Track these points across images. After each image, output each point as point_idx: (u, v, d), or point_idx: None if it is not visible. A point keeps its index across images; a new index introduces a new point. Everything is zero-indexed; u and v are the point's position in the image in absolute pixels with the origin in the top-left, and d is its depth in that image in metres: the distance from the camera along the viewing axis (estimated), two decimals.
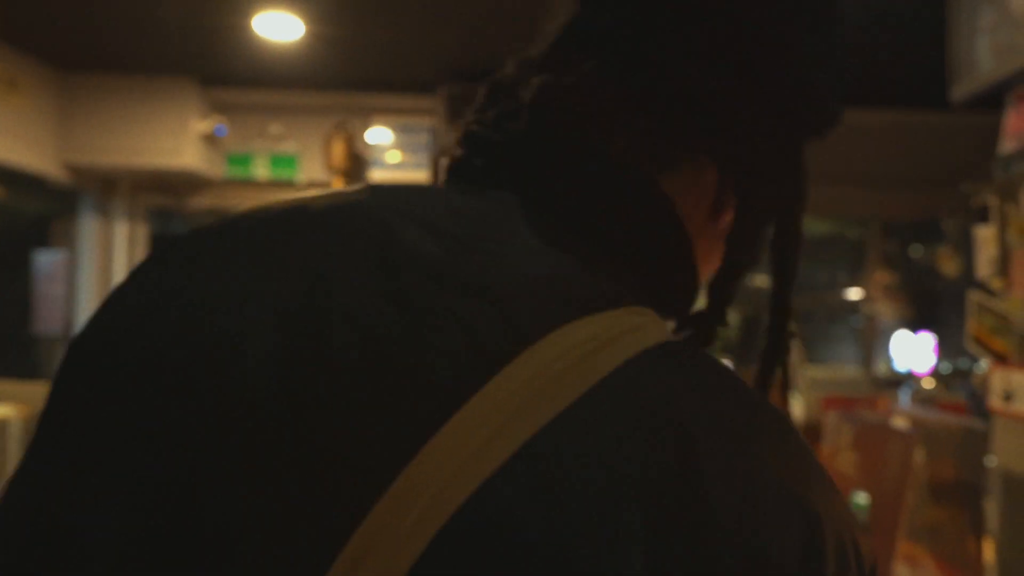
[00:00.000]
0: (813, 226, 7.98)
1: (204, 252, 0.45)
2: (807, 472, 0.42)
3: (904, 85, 3.97)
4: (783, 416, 0.44)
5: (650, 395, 0.39)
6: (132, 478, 0.39)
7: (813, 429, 4.02)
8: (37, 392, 3.20)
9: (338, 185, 4.25)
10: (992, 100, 1.80)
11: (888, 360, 3.56)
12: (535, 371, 0.38)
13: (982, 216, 1.44)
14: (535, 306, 0.41)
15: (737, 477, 0.38)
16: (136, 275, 0.46)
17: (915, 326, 3.41)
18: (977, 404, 2.84)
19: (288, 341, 0.39)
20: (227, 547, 0.37)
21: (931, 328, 3.30)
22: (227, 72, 4.11)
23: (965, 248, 1.58)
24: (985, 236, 1.52)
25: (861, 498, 1.54)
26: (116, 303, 0.45)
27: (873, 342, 4.50)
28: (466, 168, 0.53)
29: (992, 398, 1.57)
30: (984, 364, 3.64)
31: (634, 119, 0.51)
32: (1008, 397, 1.46)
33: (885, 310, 4.24)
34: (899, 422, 1.65)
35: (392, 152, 4.36)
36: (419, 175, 4.35)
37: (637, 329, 0.42)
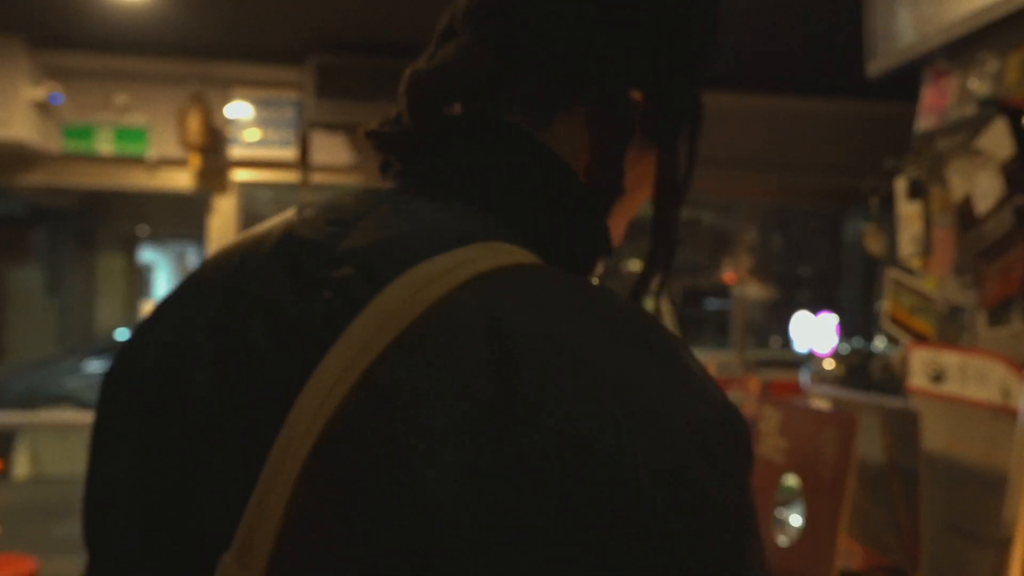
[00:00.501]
0: None
1: (167, 303, 0.60)
2: (645, 365, 0.46)
3: (786, 71, 4.07)
4: (633, 321, 0.49)
5: (472, 311, 0.46)
6: (129, 469, 0.54)
7: None
8: None
9: (195, 162, 3.91)
10: (886, 84, 1.79)
11: (788, 341, 3.62)
12: (381, 309, 0.46)
13: (915, 192, 1.41)
14: (396, 258, 0.49)
15: (551, 369, 0.44)
16: (134, 329, 0.62)
17: (791, 308, 3.48)
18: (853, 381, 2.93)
19: (217, 341, 0.52)
20: (193, 500, 0.50)
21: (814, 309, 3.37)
22: (64, 33, 3.69)
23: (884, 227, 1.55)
24: (909, 214, 1.50)
25: (791, 480, 1.48)
26: (124, 347, 0.61)
27: (744, 323, 4.61)
28: (385, 165, 0.65)
29: (913, 378, 1.55)
30: (883, 344, 3.77)
31: (504, 81, 0.60)
32: (937, 378, 1.43)
33: (753, 291, 4.34)
34: (821, 404, 1.61)
35: (251, 130, 4.06)
36: (284, 153, 4.07)
37: (473, 260, 0.49)
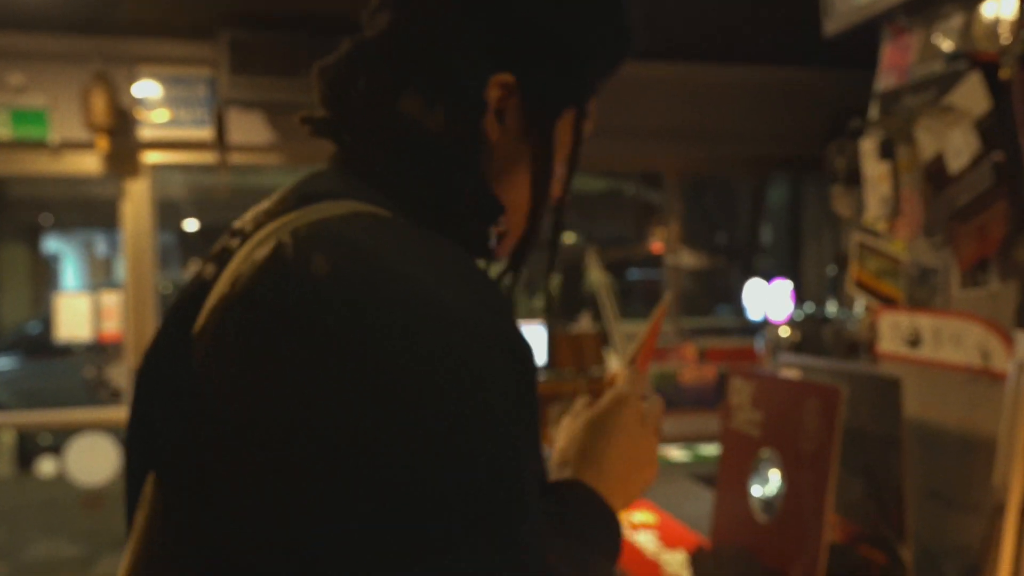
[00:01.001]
0: (591, 184, 8.19)
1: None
2: (439, 281, 0.57)
3: (710, 39, 4.04)
4: (451, 263, 0.62)
5: (279, 255, 0.57)
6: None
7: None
8: None
9: (102, 145, 3.67)
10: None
11: (741, 309, 3.62)
12: (235, 262, 0.60)
13: (885, 152, 1.37)
14: (257, 221, 0.64)
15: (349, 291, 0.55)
16: None
17: (731, 275, 3.47)
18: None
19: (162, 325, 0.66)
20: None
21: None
22: None
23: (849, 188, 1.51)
24: (877, 174, 1.46)
25: (767, 454, 1.44)
26: None
27: (678, 293, 4.62)
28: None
29: (882, 343, 1.52)
30: (835, 309, 3.78)
31: (375, 65, 0.71)
32: (914, 342, 1.41)
33: (688, 260, 4.35)
34: (789, 373, 1.57)
35: (162, 110, 3.83)
36: (198, 133, 3.85)
37: (299, 218, 0.61)
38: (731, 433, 1.52)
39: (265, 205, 0.66)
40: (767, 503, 1.40)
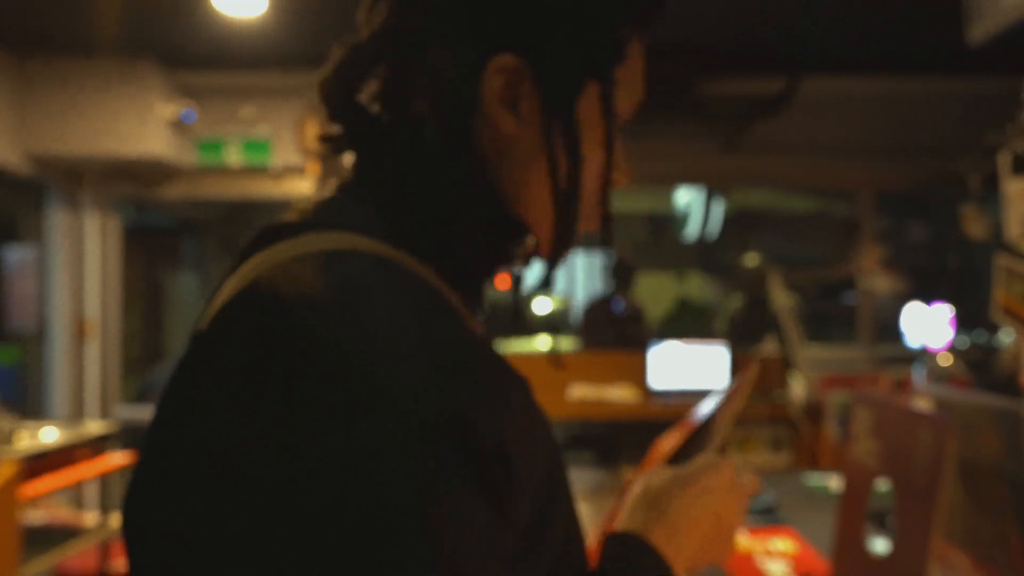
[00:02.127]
0: (797, 203, 7.85)
1: None
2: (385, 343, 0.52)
3: (892, 51, 3.83)
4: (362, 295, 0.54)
5: (255, 291, 0.56)
6: None
7: (814, 409, 3.91)
8: None
9: (312, 169, 4.07)
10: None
11: (896, 333, 3.41)
12: (221, 292, 0.59)
13: (1020, 166, 1.29)
14: (254, 244, 0.62)
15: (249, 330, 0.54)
16: None
17: (921, 299, 3.25)
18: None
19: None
20: None
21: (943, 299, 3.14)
22: (192, 53, 3.92)
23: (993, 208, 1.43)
24: (1017, 191, 1.37)
25: (883, 485, 1.39)
26: None
27: (871, 318, 4.37)
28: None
29: None
30: (1007, 337, 3.49)
31: (363, 70, 0.66)
32: None
33: (882, 285, 4.11)
34: (922, 403, 1.51)
35: None
36: None
37: (274, 255, 0.59)
38: (851, 464, 1.48)
39: (268, 225, 0.63)
40: (882, 535, 1.36)
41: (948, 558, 1.39)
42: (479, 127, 0.63)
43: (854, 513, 1.44)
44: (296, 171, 4.18)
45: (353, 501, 0.46)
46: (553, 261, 0.67)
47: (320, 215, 0.62)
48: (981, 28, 1.52)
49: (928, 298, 3.23)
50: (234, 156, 4.17)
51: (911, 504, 1.27)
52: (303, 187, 4.24)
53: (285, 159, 4.17)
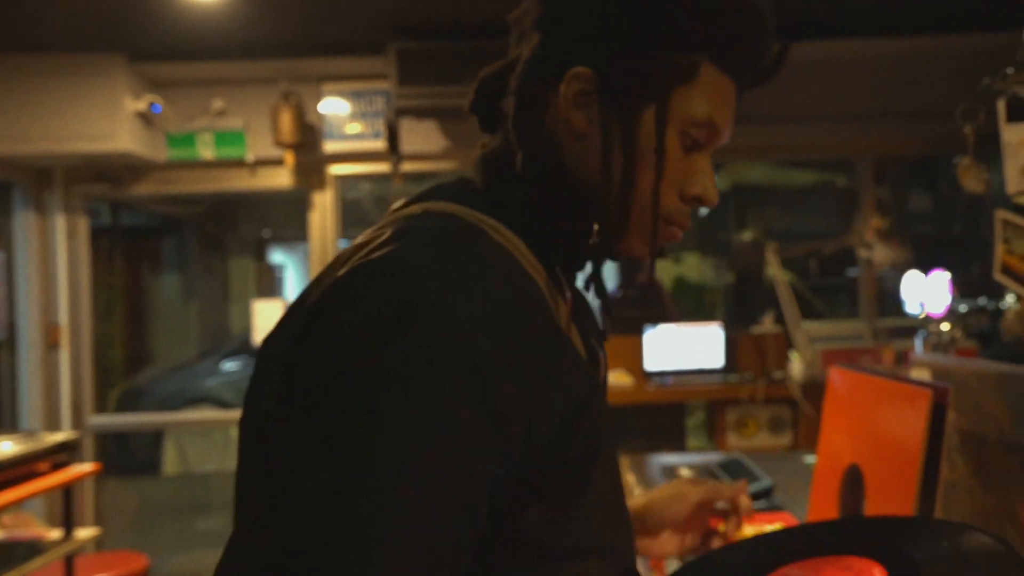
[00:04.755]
0: (797, 176, 7.70)
1: None
2: (423, 285, 0.63)
3: (880, 12, 3.68)
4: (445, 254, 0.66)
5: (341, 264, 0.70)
6: None
7: (816, 387, 3.78)
8: None
9: (289, 161, 3.94)
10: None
11: (899, 305, 3.28)
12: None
13: (1016, 112, 1.15)
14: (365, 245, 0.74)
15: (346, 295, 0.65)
16: None
17: (923, 268, 3.11)
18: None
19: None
20: None
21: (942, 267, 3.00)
22: (158, 45, 3.79)
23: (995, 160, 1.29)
24: (1015, 140, 1.23)
25: (853, 460, 1.26)
26: None
27: (873, 291, 4.23)
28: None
29: None
30: (1011, 298, 3.35)
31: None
32: None
33: (883, 256, 3.97)
34: (920, 373, 1.37)
35: (344, 124, 4.05)
36: (378, 144, 4.04)
37: (384, 227, 0.73)
38: (824, 444, 1.35)
39: (388, 216, 0.77)
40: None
41: None
42: (554, 125, 0.75)
43: (826, 491, 1.30)
44: (273, 163, 4.05)
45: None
46: (597, 261, 0.80)
47: (431, 192, 0.77)
48: None
49: (930, 267, 3.09)
50: (206, 149, 4.04)
51: (885, 484, 1.13)
52: (281, 179, 4.11)
53: (261, 151, 4.04)
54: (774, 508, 1.83)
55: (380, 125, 4.06)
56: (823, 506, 1.30)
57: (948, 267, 2.90)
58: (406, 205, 0.76)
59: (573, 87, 0.72)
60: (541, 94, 0.74)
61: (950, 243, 7.18)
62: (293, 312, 0.68)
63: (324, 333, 0.62)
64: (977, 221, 6.33)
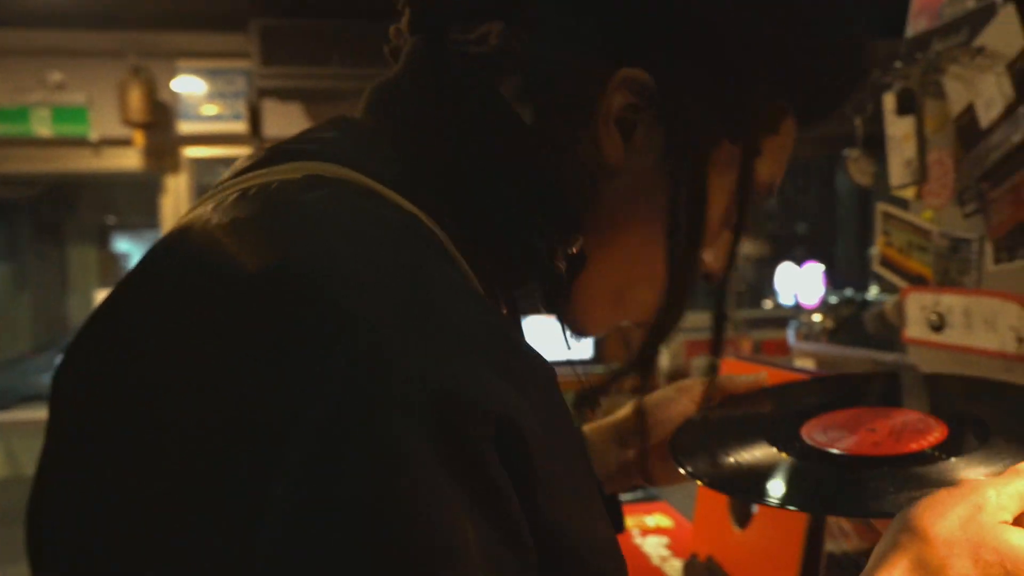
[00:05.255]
0: None
1: None
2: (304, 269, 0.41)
3: None
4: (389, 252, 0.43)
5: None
6: None
7: (679, 375, 3.87)
8: None
9: (139, 141, 3.67)
10: None
11: (773, 296, 3.41)
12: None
13: (905, 106, 1.18)
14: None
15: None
16: None
17: (776, 261, 3.25)
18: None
19: None
20: None
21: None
22: None
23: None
24: (900, 133, 1.27)
25: None
26: None
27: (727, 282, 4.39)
28: None
29: (911, 327, 1.33)
30: (876, 292, 3.54)
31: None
32: (937, 326, 1.21)
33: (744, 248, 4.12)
34: (802, 362, 1.39)
35: (199, 103, 3.81)
36: (237, 126, 3.82)
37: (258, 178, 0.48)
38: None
39: (274, 146, 0.52)
40: (743, 514, 1.22)
41: (832, 525, 1.29)
42: (576, 137, 0.51)
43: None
44: (120, 143, 3.76)
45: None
46: (656, 336, 0.58)
47: (325, 146, 0.51)
48: None
49: (781, 260, 3.24)
50: (42, 126, 3.70)
51: None
52: (129, 160, 3.82)
53: (105, 130, 3.74)
54: (650, 499, 1.84)
55: (240, 106, 3.85)
56: (711, 493, 1.30)
57: (798, 260, 3.04)
58: (264, 162, 0.50)
59: (619, 98, 0.51)
60: (578, 103, 0.52)
61: (796, 239, 7.61)
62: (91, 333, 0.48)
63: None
64: (819, 219, 6.73)
